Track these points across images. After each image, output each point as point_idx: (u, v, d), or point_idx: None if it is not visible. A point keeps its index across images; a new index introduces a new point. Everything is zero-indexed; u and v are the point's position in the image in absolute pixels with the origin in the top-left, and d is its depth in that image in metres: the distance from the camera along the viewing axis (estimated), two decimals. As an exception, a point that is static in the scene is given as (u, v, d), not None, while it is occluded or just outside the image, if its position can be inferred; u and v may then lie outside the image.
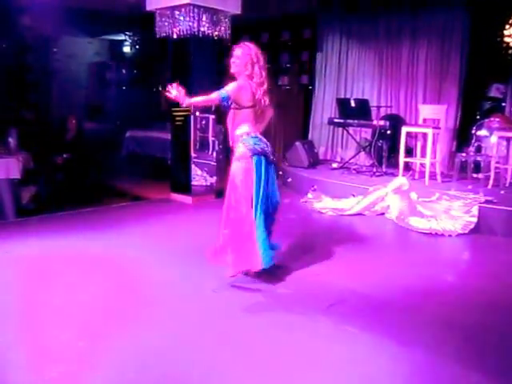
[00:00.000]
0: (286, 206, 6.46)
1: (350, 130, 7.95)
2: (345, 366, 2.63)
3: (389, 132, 7.11)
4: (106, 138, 9.94)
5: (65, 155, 6.88)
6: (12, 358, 2.62)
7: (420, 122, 6.90)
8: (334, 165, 7.88)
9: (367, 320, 3.14)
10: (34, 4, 8.93)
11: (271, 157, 3.72)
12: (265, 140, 3.73)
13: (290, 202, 6.58)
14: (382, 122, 7.10)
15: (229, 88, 3.54)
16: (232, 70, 3.65)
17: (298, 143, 7.81)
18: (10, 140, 6.13)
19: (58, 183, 6.67)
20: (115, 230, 5.07)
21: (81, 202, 6.09)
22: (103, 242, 4.60)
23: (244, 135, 3.63)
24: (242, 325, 3.06)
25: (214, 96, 3.53)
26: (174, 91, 3.43)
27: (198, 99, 3.60)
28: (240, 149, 3.62)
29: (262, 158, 3.62)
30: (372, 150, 7.19)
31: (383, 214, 5.90)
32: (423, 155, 6.61)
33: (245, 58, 3.60)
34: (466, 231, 5.18)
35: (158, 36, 6.32)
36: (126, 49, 12.06)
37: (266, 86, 3.65)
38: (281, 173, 8.02)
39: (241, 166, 3.62)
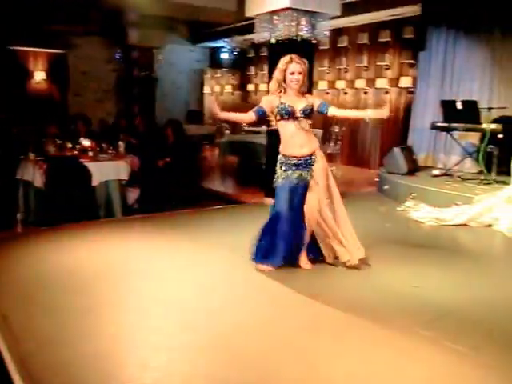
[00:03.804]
0: (382, 214, 6.22)
1: (455, 134, 7.44)
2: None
3: (501, 136, 6.53)
4: (204, 142, 10.25)
5: (166, 159, 7.18)
6: (115, 344, 2.72)
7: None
8: (436, 172, 7.43)
9: (474, 338, 2.86)
10: (141, 16, 9.49)
11: None
12: None
13: (386, 211, 6.32)
14: (493, 126, 6.56)
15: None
16: (297, 86, 3.74)
17: (396, 149, 7.47)
18: (120, 144, 6.64)
19: (159, 185, 6.99)
20: (210, 231, 5.15)
21: (179, 203, 6.33)
22: (198, 242, 4.67)
23: None
24: (336, 331, 2.93)
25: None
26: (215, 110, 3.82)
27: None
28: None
29: None
30: (480, 156, 6.66)
31: (491, 225, 5.42)
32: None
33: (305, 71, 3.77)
34: None
35: (256, 42, 6.37)
36: (224, 55, 12.38)
37: None
38: (377, 179, 7.75)
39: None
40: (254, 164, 8.39)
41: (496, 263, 4.48)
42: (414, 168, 7.52)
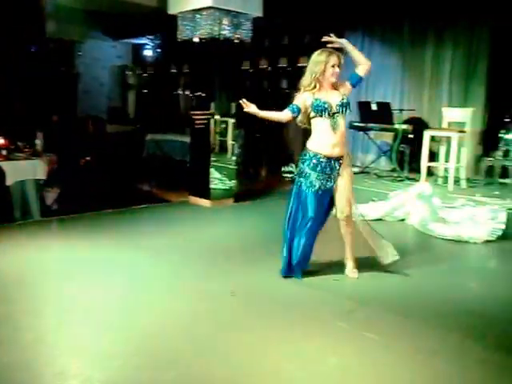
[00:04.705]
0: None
1: (371, 134, 7.83)
2: (362, 372, 2.56)
3: (411, 136, 6.97)
4: (127, 140, 10.03)
5: (87, 157, 6.97)
6: (33, 353, 2.62)
7: (444, 125, 6.74)
8: (354, 169, 7.75)
9: (387, 327, 3.06)
10: (60, 8, 9.09)
11: None
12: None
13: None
14: (404, 126, 6.98)
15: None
16: (336, 80, 3.60)
17: (317, 147, 7.71)
18: (37, 142, 6.33)
19: (80, 184, 6.77)
20: (134, 232, 5.09)
21: (102, 203, 6.17)
22: (120, 243, 4.62)
23: None
24: (259, 329, 2.99)
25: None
26: (250, 107, 3.62)
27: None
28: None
29: None
30: (393, 154, 7.06)
31: (404, 220, 5.78)
32: (447, 160, 6.46)
33: None
34: (493, 238, 5.04)
35: (179, 39, 6.33)
36: (148, 52, 12.17)
37: None
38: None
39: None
40: (178, 162, 8.36)
41: (409, 255, 4.77)
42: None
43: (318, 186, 3.62)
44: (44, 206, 6.08)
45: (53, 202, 6.33)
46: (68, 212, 5.80)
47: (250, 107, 3.65)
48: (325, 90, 3.59)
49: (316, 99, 3.55)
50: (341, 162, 3.65)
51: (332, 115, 3.55)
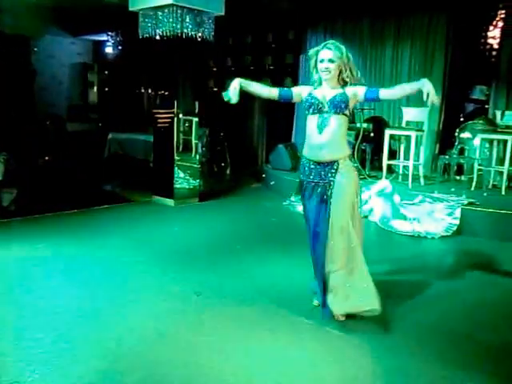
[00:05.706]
0: (269, 209, 6.48)
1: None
2: (327, 367, 2.60)
3: (372, 135, 7.11)
4: (88, 140, 9.84)
5: (46, 157, 6.79)
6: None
7: (403, 124, 6.91)
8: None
9: (350, 322, 3.11)
10: (14, 2, 8.82)
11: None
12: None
13: (272, 205, 6.58)
14: (365, 125, 7.11)
15: None
16: (327, 77, 3.13)
17: (280, 146, 7.79)
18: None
19: (39, 185, 6.61)
20: (96, 232, 5.00)
21: (63, 204, 6.04)
22: (82, 244, 4.54)
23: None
24: (223, 328, 3.00)
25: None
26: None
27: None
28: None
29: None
30: (355, 152, 7.18)
31: (366, 216, 5.89)
32: (406, 158, 6.62)
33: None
34: (449, 233, 5.22)
35: (140, 37, 6.25)
36: (109, 49, 11.95)
37: None
38: (264, 175, 8.03)
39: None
40: (141, 162, 8.26)
41: (369, 252, 4.85)
42: (298, 164, 7.86)
43: (311, 195, 3.21)
44: (1, 207, 5.90)
45: (10, 202, 6.15)
46: (27, 213, 5.64)
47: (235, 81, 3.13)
48: (324, 88, 3.16)
49: (309, 93, 3.17)
50: (334, 169, 3.11)
51: (320, 113, 3.11)
